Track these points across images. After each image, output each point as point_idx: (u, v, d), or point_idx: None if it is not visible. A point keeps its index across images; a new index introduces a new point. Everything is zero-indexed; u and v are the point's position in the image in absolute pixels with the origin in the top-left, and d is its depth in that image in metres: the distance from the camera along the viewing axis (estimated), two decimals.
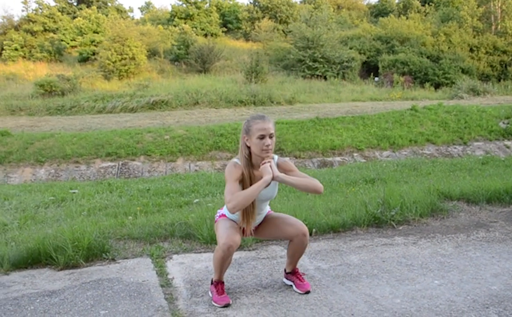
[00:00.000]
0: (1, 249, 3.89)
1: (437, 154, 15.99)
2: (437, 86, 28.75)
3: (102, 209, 6.49)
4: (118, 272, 3.64)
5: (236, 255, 3.94)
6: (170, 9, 42.53)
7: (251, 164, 3.07)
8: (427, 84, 28.34)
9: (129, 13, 45.80)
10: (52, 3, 40.78)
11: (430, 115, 18.40)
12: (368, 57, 32.05)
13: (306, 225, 4.32)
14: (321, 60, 29.78)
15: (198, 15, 39.94)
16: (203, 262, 3.80)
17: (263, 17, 39.96)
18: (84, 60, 32.99)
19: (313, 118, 18.11)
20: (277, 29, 38.85)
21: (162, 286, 3.36)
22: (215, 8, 41.93)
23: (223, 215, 3.22)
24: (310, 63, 29.68)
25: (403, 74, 28.89)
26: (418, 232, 4.51)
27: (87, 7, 38.76)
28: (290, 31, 34.32)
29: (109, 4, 44.08)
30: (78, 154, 14.76)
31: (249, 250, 4.07)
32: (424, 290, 3.19)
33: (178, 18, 39.86)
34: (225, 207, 3.21)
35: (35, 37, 35.10)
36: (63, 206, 7.00)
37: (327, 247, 4.10)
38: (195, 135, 15.99)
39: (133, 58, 29.50)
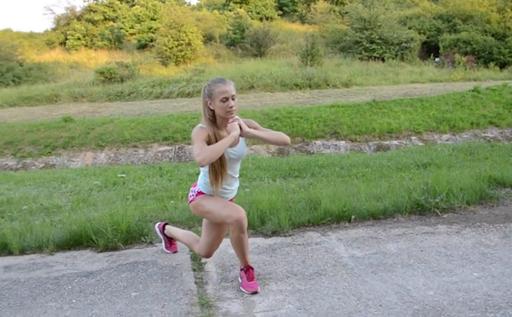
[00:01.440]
0: (47, 230, 4.08)
1: (501, 138, 15.27)
2: (502, 66, 27.27)
3: (150, 193, 6.65)
4: (154, 255, 3.73)
5: (272, 241, 3.95)
6: None
7: (216, 125, 3.09)
8: (491, 64, 26.94)
9: (186, 0, 46.32)
10: None
11: (494, 96, 17.55)
12: (428, 37, 30.80)
13: (345, 211, 4.32)
14: (379, 41, 28.95)
15: None
16: None
17: None
18: (142, 47, 33.83)
19: (369, 101, 17.74)
20: (333, 11, 38.09)
21: (194, 270, 3.42)
22: None
23: (200, 192, 3.23)
24: (367, 45, 28.94)
25: (466, 54, 27.60)
26: (463, 220, 4.32)
27: None
28: (346, 13, 33.60)
29: None
30: (136, 139, 15.21)
31: (285, 236, 4.04)
32: (460, 282, 3.06)
33: (233, 2, 39.89)
34: (198, 183, 3.26)
35: (96, 26, 36.33)
36: (114, 189, 7.22)
37: (365, 234, 4.01)
38: (249, 119, 16.05)
39: (189, 44, 29.91)
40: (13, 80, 27.08)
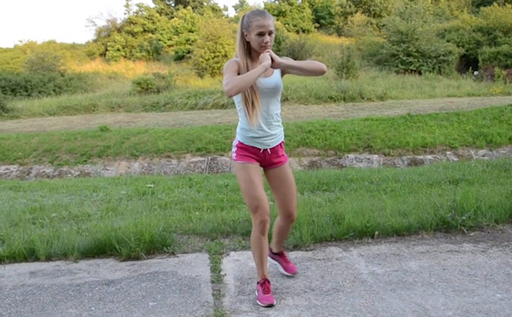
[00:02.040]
0: (72, 238, 4.19)
1: None
2: None
3: (178, 204, 6.72)
4: (175, 266, 3.77)
5: (293, 255, 3.93)
6: (263, 6, 42.91)
7: (250, 57, 3.02)
8: None
9: (223, 12, 46.90)
10: (152, 5, 42.91)
11: None
12: (467, 50, 30.22)
13: (369, 227, 4.27)
14: (416, 54, 28.57)
15: (290, 11, 40.01)
16: None
17: (356, 11, 39.13)
18: (179, 58, 34.43)
19: (404, 114, 17.51)
20: (371, 23, 37.88)
21: (212, 282, 3.44)
22: (307, 4, 41.74)
23: (239, 147, 3.12)
24: (404, 58, 28.60)
25: (506, 67, 26.90)
26: (490, 239, 4.20)
27: (184, 7, 40.27)
28: (383, 25, 33.30)
29: (205, 3, 45.44)
30: (169, 149, 15.43)
31: (306, 250, 4.02)
32: (482, 303, 2.97)
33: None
34: (237, 130, 3.17)
35: (135, 38, 37.22)
36: (144, 199, 7.35)
37: (387, 251, 3.95)
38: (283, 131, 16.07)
39: (225, 56, 30.24)
40: (54, 90, 27.97)
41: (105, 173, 14.58)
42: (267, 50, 2.93)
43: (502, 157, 13.14)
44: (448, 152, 15.36)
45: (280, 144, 3.19)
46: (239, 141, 3.13)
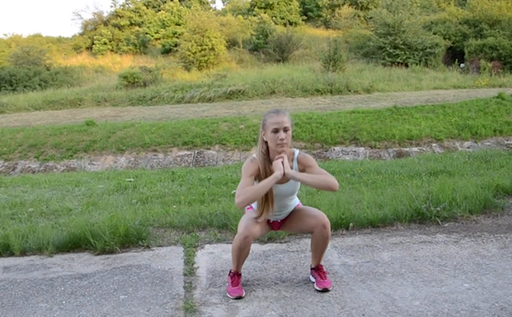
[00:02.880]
0: (48, 233, 4.18)
1: None
2: None
3: (160, 197, 6.71)
4: (149, 259, 3.78)
5: (267, 247, 3.96)
6: None
7: (269, 159, 3.05)
8: None
9: (211, 4, 46.69)
10: None
11: None
12: (453, 43, 30.37)
13: (344, 219, 4.30)
14: (402, 46, 28.66)
15: (278, 4, 39.88)
16: (231, 253, 3.83)
17: (344, 4, 39.15)
18: (166, 52, 34.26)
19: (390, 107, 17.58)
20: (358, 16, 37.90)
21: (185, 274, 3.45)
22: None
23: (251, 207, 3.24)
24: (391, 50, 28.67)
25: (491, 59, 27.07)
26: (464, 229, 4.25)
27: (171, 0, 40.02)
28: (370, 18, 33.35)
29: None
30: (156, 143, 15.37)
31: (281, 243, 4.05)
32: (449, 293, 3.01)
33: (258, 8, 40.08)
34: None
35: (122, 31, 36.97)
36: (126, 193, 7.33)
37: (361, 242, 3.99)
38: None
39: (212, 49, 30.15)
40: (39, 84, 27.70)
41: (91, 167, 14.50)
42: (283, 148, 2.97)
43: (486, 149, 13.26)
44: (433, 145, 15.45)
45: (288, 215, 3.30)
46: (252, 206, 3.22)
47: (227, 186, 7.56)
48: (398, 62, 28.30)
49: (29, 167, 14.94)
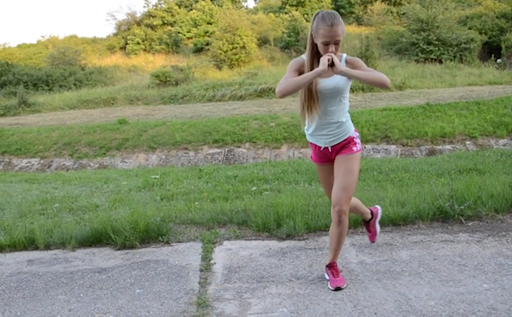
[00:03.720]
0: (71, 228, 4.28)
1: None
2: None
3: (185, 194, 6.77)
4: (167, 255, 3.82)
5: (285, 244, 3.96)
6: None
7: (317, 59, 2.94)
8: None
9: (243, 3, 46.81)
10: None
11: None
12: (489, 37, 29.53)
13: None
14: (436, 42, 28.06)
15: (309, 1, 39.66)
16: (249, 250, 3.85)
17: (376, 0, 38.61)
18: (198, 50, 34.56)
19: (423, 104, 17.26)
20: (391, 12, 37.30)
21: (201, 270, 3.48)
22: None
23: (311, 148, 3.30)
24: (424, 46, 28.11)
25: None
26: (488, 229, 4.14)
27: None
28: (403, 14, 32.76)
29: None
30: (187, 141, 15.52)
31: (299, 240, 4.03)
32: (466, 293, 2.93)
33: (289, 5, 39.93)
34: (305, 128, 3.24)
35: (155, 31, 37.48)
36: (152, 190, 7.43)
37: (381, 241, 3.92)
38: (300, 122, 16.01)
39: (243, 47, 30.24)
40: (74, 84, 28.37)
41: (123, 165, 14.77)
42: (329, 53, 2.87)
43: None
44: (467, 142, 15.10)
45: (342, 142, 3.11)
46: (310, 143, 3.25)
47: (252, 183, 7.57)
48: (432, 59, 27.73)
49: (64, 164, 15.33)
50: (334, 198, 3.02)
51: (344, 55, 3.03)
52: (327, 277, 3.20)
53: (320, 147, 3.14)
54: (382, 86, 2.89)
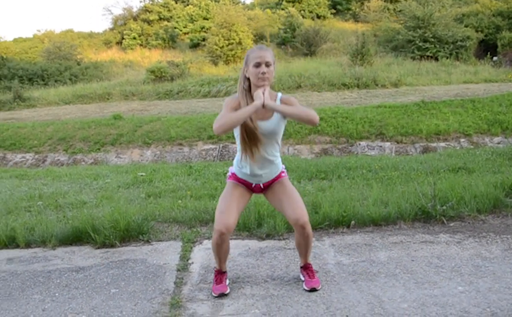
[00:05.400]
0: (51, 226, 4.27)
1: None
2: None
3: (174, 191, 6.76)
4: (147, 254, 3.82)
5: (264, 244, 3.95)
6: None
7: (250, 94, 2.99)
8: None
9: None
10: None
11: None
12: (486, 35, 29.51)
13: (345, 216, 4.24)
14: (432, 40, 28.01)
15: None
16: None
17: None
18: (194, 46, 34.50)
19: (418, 101, 17.26)
20: (387, 9, 37.29)
21: (178, 270, 3.48)
22: None
23: (232, 175, 3.22)
24: (420, 44, 28.06)
25: None
26: (469, 229, 4.14)
27: None
28: (400, 11, 32.74)
29: None
30: (181, 137, 15.49)
31: (279, 240, 4.04)
32: (440, 296, 2.93)
33: (286, 1, 39.88)
34: (234, 162, 3.23)
35: (151, 26, 37.40)
36: (141, 187, 7.42)
37: (361, 241, 3.93)
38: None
39: (239, 43, 30.18)
40: (70, 79, 28.31)
41: (118, 160, 14.74)
42: (264, 83, 2.91)
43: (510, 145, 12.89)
44: (462, 140, 15.11)
45: (274, 179, 3.19)
46: (233, 173, 3.22)
47: None
48: (428, 56, 27.69)
49: (58, 159, 15.29)
50: (294, 216, 3.02)
51: (280, 94, 3.08)
52: (302, 278, 3.20)
53: (251, 184, 3.17)
54: (311, 123, 2.94)
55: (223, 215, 2.98)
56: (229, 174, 3.25)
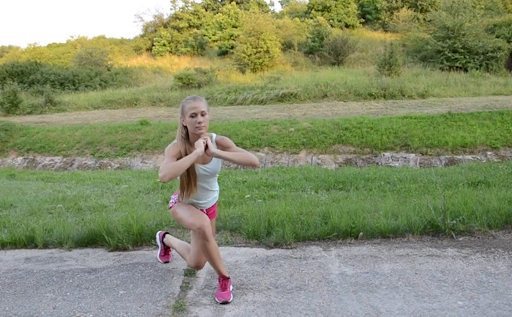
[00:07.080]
0: (69, 228, 4.45)
1: None
2: None
3: None
4: (157, 258, 3.94)
5: (271, 252, 4.02)
6: (307, 1, 42.71)
7: (189, 142, 3.22)
8: None
9: (270, 7, 47.01)
10: (198, 0, 43.58)
11: None
12: None
13: (354, 228, 4.29)
14: (462, 50, 27.63)
15: (335, 6, 39.56)
16: (236, 256, 3.94)
17: (403, 6, 38.28)
18: (223, 53, 34.84)
19: (444, 113, 17.09)
20: (417, 19, 36.95)
21: (185, 274, 3.59)
22: None
23: (179, 200, 3.41)
24: (449, 54, 27.71)
25: None
26: (478, 244, 4.13)
27: (230, 2, 40.65)
28: (430, 21, 32.39)
29: None
30: None
31: (287, 248, 4.10)
32: (439, 310, 2.96)
33: (315, 10, 39.92)
34: (175, 197, 3.42)
35: (181, 33, 37.96)
36: (161, 192, 7.58)
37: (367, 252, 3.97)
38: (319, 128, 16.05)
39: (267, 52, 30.36)
40: (100, 84, 28.95)
41: (143, 165, 15.03)
42: (202, 131, 3.15)
43: None
44: (488, 153, 14.89)
45: (213, 205, 3.53)
46: (176, 201, 3.43)
47: (259, 189, 7.66)
48: (457, 67, 27.34)
49: (85, 163, 15.67)
50: (200, 261, 3.38)
51: (214, 135, 3.30)
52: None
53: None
54: (252, 166, 3.23)
55: (194, 216, 3.19)
56: (172, 201, 3.45)
